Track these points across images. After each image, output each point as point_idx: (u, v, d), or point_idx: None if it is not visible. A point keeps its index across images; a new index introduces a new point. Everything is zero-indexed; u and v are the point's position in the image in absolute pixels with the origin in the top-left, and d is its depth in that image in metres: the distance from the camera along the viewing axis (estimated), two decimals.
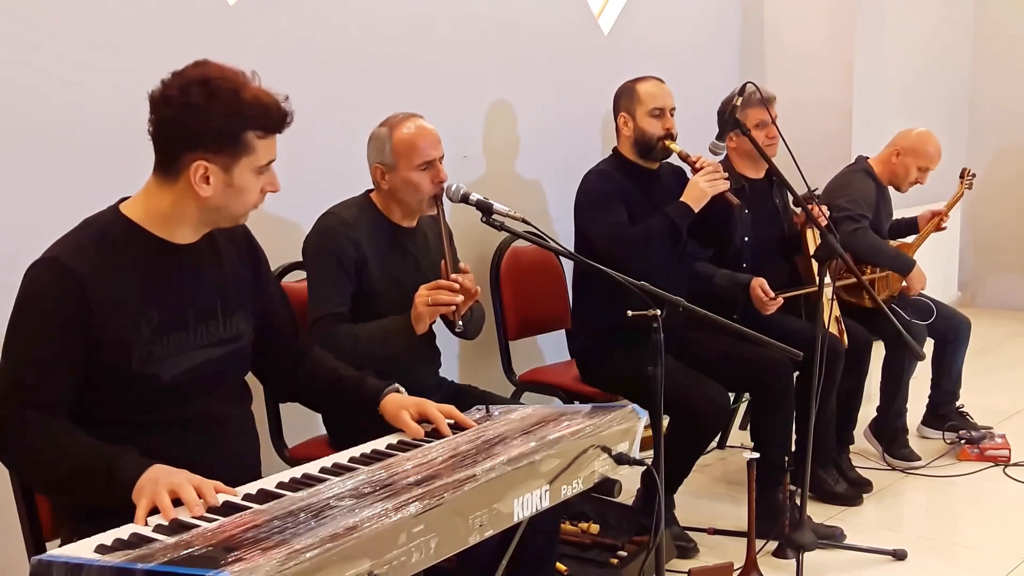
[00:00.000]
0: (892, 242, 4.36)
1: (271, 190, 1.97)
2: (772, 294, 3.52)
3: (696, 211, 3.24)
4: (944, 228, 4.39)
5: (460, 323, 2.58)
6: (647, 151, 3.38)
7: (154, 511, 1.66)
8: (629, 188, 3.37)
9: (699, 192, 3.24)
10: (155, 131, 1.89)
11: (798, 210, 3.72)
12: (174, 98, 1.85)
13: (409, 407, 2.12)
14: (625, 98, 3.42)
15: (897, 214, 4.44)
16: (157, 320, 1.91)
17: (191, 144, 1.86)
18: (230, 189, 1.90)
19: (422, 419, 2.11)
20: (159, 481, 1.69)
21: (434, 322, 2.65)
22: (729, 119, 3.31)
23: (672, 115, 3.37)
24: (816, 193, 3.56)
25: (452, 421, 2.11)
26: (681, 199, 3.25)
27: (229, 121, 1.85)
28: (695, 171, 3.29)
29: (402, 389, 2.19)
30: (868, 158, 4.30)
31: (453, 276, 2.59)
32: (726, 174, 3.31)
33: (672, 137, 3.35)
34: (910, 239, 4.39)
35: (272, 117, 1.90)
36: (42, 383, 1.82)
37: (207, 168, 1.87)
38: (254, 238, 2.19)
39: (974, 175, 4.54)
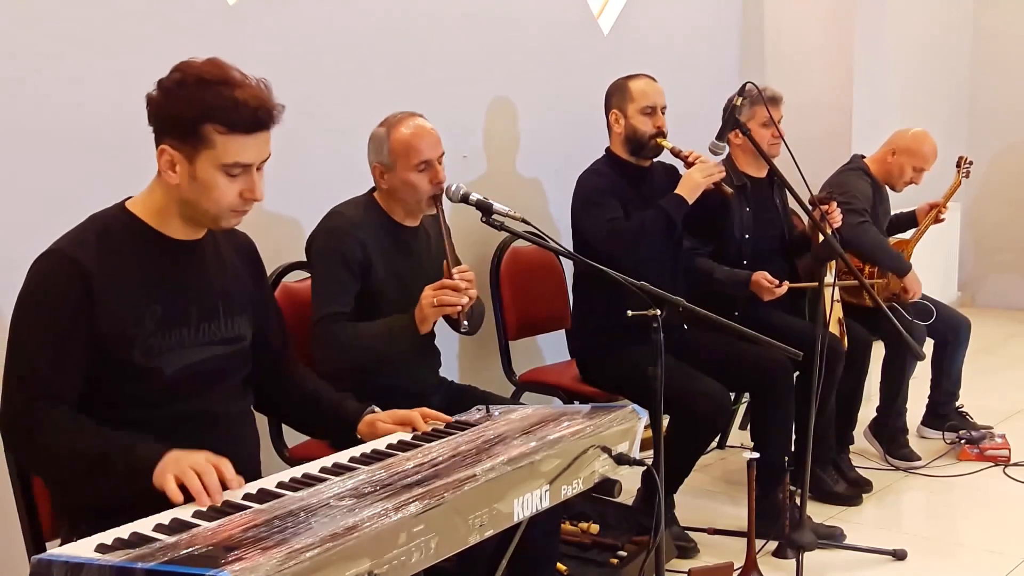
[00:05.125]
0: (891, 239, 4.36)
1: (250, 197, 1.90)
2: (776, 281, 3.52)
3: (690, 202, 3.23)
4: (942, 220, 4.37)
5: (465, 323, 2.58)
6: (639, 148, 3.38)
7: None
8: (622, 186, 3.37)
9: (693, 183, 3.24)
10: (148, 120, 1.90)
11: (801, 213, 3.72)
12: (161, 84, 1.88)
13: (383, 417, 2.15)
14: (617, 95, 3.42)
15: (895, 209, 4.44)
16: (160, 314, 1.91)
17: (160, 130, 1.88)
18: (195, 183, 1.88)
19: (398, 424, 2.13)
20: (180, 461, 1.70)
21: (436, 322, 2.65)
22: (729, 119, 3.31)
23: (663, 113, 3.37)
24: (832, 194, 3.57)
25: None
26: (675, 191, 3.25)
27: (188, 109, 1.83)
28: (688, 166, 3.29)
29: (377, 409, 2.21)
30: (864, 157, 4.30)
31: (457, 268, 2.59)
32: (721, 166, 3.31)
33: (663, 135, 3.35)
34: (909, 234, 4.39)
35: (236, 114, 1.82)
36: (52, 374, 1.82)
37: (172, 156, 1.87)
38: (259, 254, 2.20)
39: (971, 163, 4.53)
